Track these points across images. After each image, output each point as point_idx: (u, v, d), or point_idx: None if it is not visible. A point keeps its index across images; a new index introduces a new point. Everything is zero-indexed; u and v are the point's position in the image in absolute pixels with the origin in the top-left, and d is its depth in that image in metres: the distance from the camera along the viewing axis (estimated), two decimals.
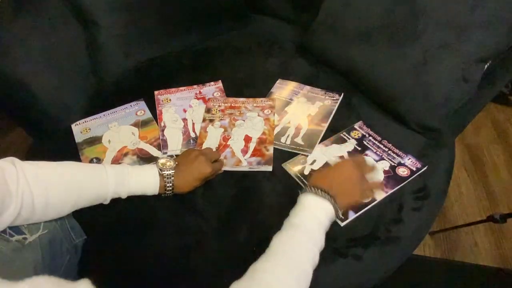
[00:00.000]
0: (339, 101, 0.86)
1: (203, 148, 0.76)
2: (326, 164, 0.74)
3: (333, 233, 0.59)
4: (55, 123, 0.85)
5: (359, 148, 0.76)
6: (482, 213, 1.25)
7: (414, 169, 0.72)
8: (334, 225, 0.65)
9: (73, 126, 0.84)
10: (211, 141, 0.78)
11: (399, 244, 0.65)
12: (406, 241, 0.66)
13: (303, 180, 0.71)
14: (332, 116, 0.83)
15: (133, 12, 0.95)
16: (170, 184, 0.64)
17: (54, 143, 0.83)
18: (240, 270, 0.61)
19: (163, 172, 0.64)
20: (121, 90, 0.94)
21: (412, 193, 0.71)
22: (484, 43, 0.72)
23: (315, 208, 0.53)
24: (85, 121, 0.84)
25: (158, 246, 0.64)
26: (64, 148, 0.80)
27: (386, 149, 0.76)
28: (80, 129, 0.83)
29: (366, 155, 0.75)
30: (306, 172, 0.72)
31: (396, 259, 0.65)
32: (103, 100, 0.91)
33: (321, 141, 0.78)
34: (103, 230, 0.67)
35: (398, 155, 0.75)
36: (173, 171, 0.64)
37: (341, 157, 0.75)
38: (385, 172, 0.72)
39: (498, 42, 0.72)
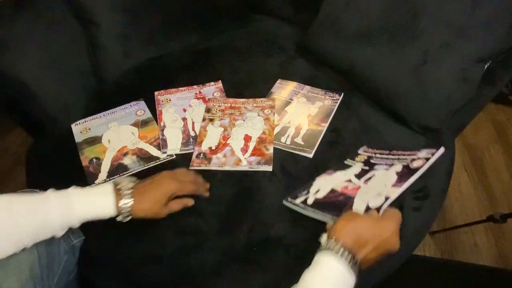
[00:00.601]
0: (339, 101, 0.86)
1: (202, 147, 0.76)
2: (333, 191, 0.64)
3: None
4: (55, 123, 0.85)
5: (367, 168, 0.68)
6: (482, 213, 1.24)
7: (430, 155, 0.62)
8: None
9: (73, 126, 0.84)
10: (211, 140, 0.78)
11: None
12: (406, 241, 0.66)
13: (307, 208, 0.63)
14: (332, 116, 0.83)
15: (133, 12, 0.95)
16: (127, 202, 0.56)
17: (54, 143, 0.83)
18: (240, 270, 0.61)
19: (121, 189, 0.57)
20: (121, 90, 0.94)
21: (412, 193, 0.71)
22: (484, 43, 0.72)
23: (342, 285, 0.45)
24: (85, 121, 0.84)
25: (158, 246, 0.64)
26: (64, 148, 0.81)
27: (396, 157, 0.67)
28: (80, 129, 0.83)
29: (375, 170, 0.66)
30: (310, 202, 0.64)
31: (396, 259, 0.65)
32: (103, 100, 0.91)
33: (324, 170, 0.71)
34: (102, 231, 0.67)
35: (410, 155, 0.66)
36: (131, 190, 0.57)
37: (348, 181, 0.65)
38: (397, 173, 0.62)
39: (498, 42, 0.72)
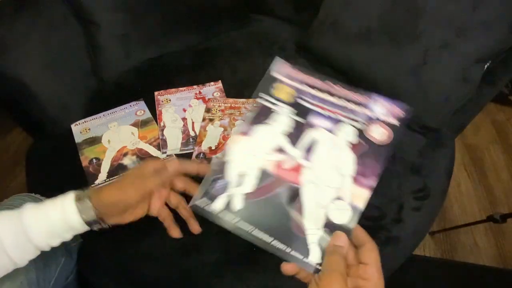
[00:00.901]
0: None
1: (202, 147, 0.76)
2: (265, 176, 0.43)
3: None
4: (55, 123, 0.85)
5: (301, 120, 0.45)
6: (482, 213, 1.25)
7: (395, 121, 0.44)
8: None
9: (72, 126, 0.84)
10: (211, 140, 0.78)
11: (399, 244, 0.65)
12: (406, 241, 0.66)
13: (238, 225, 0.41)
14: None
15: (133, 12, 0.95)
16: (87, 202, 0.45)
17: (54, 143, 0.83)
18: (240, 270, 0.61)
19: (80, 193, 0.47)
20: (121, 90, 0.94)
21: (412, 193, 0.71)
22: (484, 43, 0.72)
23: None
24: (84, 121, 0.84)
25: (158, 246, 0.64)
26: (64, 148, 0.81)
27: (341, 103, 0.45)
28: (80, 129, 0.83)
29: (314, 126, 0.45)
30: (238, 205, 0.42)
31: (396, 259, 0.65)
32: (103, 100, 0.91)
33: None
34: (100, 232, 0.67)
35: (361, 105, 0.45)
36: (92, 190, 0.47)
37: (279, 150, 0.44)
38: (354, 148, 0.43)
39: (498, 42, 0.72)
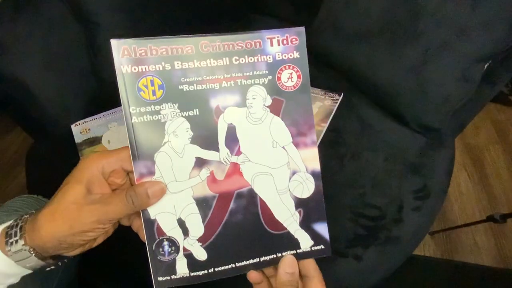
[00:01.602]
0: (339, 101, 0.86)
1: None
2: (208, 202, 0.35)
3: (333, 234, 0.59)
4: (55, 124, 0.85)
5: (201, 111, 0.34)
6: (482, 213, 1.25)
7: (296, 54, 0.36)
8: (335, 227, 0.65)
9: (72, 126, 0.84)
10: None
11: (399, 244, 0.65)
12: (406, 241, 0.66)
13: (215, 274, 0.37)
14: (332, 116, 0.83)
15: (133, 12, 0.95)
16: (16, 239, 0.33)
17: (54, 144, 0.84)
18: None
19: (7, 227, 0.34)
20: None
21: (412, 193, 0.71)
22: (484, 43, 0.72)
23: None
24: (84, 122, 0.84)
25: None
26: (63, 149, 0.81)
27: (234, 62, 0.34)
28: (80, 130, 0.83)
29: (220, 110, 0.34)
30: (204, 254, 0.36)
31: (396, 259, 0.66)
32: (103, 100, 0.91)
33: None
34: None
35: (256, 54, 0.35)
36: (22, 222, 0.34)
37: (201, 163, 0.35)
38: (274, 110, 0.35)
39: (498, 42, 0.72)
